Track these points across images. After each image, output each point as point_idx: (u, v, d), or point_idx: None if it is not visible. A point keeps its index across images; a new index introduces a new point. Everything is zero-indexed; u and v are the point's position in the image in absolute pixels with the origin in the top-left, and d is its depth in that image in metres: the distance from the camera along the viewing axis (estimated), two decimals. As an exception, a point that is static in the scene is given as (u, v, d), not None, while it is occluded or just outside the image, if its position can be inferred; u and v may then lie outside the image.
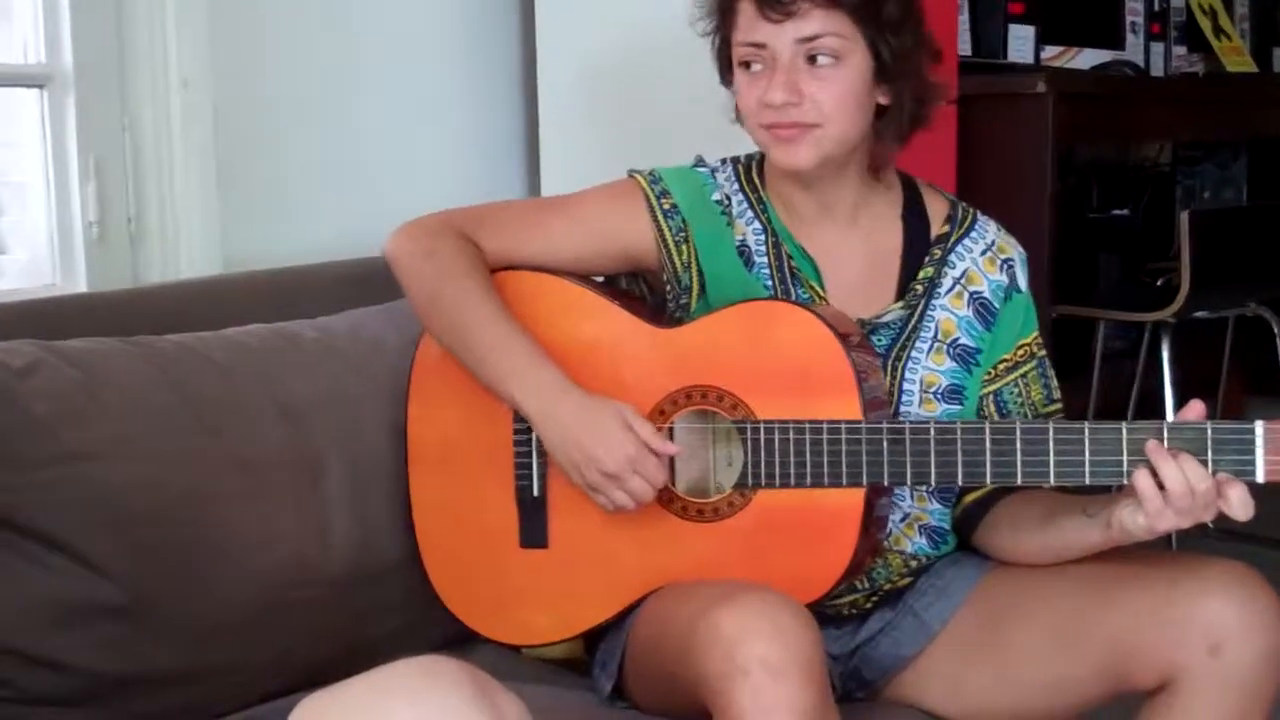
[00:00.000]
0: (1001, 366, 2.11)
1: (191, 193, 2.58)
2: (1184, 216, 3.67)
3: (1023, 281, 2.14)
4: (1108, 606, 1.90)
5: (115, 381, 2.00)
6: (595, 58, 2.99)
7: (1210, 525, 1.86)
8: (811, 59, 1.98)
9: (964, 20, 3.72)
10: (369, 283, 2.40)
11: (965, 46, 3.70)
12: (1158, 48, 4.57)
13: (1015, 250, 2.15)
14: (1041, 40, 3.97)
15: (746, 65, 2.03)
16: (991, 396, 2.11)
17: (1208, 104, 4.54)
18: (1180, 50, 4.68)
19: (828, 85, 1.98)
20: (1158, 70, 4.57)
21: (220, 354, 2.14)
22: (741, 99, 2.05)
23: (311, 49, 2.80)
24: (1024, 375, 2.11)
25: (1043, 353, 2.14)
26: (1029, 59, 3.92)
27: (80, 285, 2.52)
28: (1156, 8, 4.57)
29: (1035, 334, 2.14)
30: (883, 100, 2.03)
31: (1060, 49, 4.16)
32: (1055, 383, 2.14)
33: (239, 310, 2.28)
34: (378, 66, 2.93)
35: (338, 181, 2.86)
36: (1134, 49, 4.46)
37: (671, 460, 2.01)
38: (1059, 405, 2.13)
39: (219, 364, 2.12)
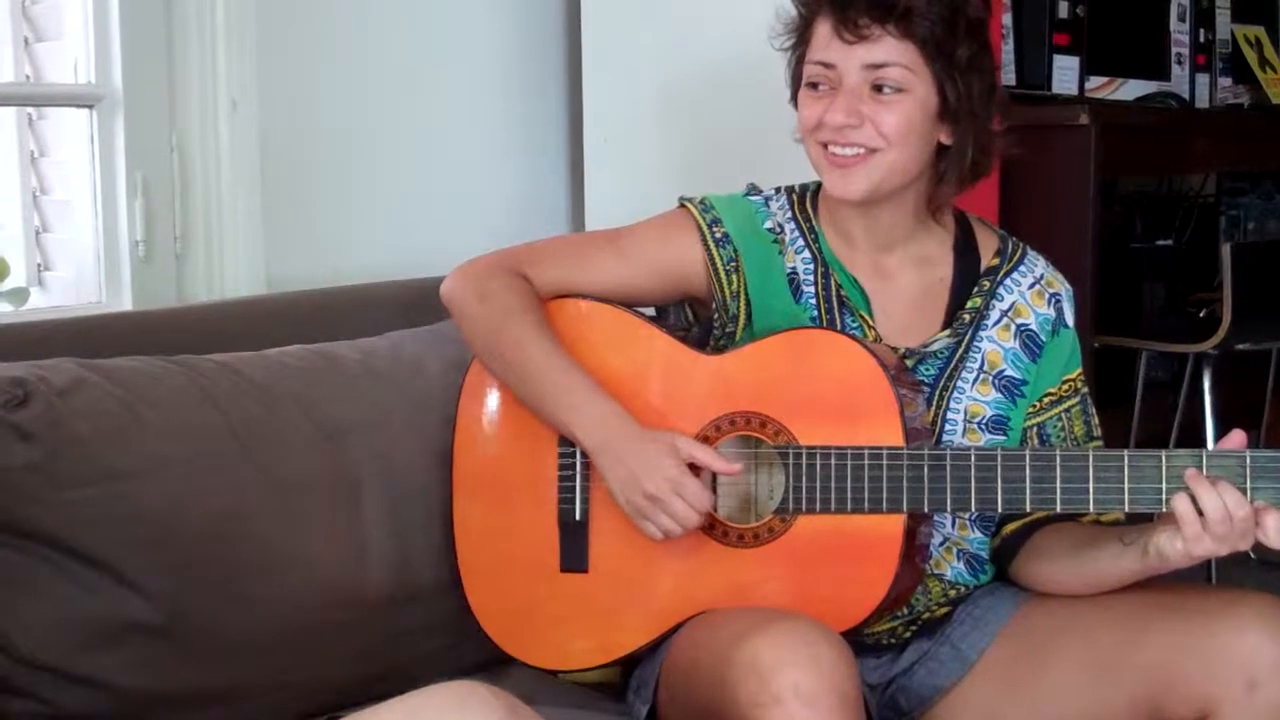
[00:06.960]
0: (1046, 400, 2.11)
1: (237, 213, 2.60)
2: (1225, 249, 3.66)
3: (1070, 317, 2.14)
4: (1144, 640, 1.90)
5: (157, 401, 2.01)
6: (641, 84, 2.99)
7: (1251, 555, 1.85)
8: (877, 88, 1.99)
9: (1008, 51, 3.71)
10: (411, 305, 2.41)
11: (1009, 77, 3.69)
12: (1203, 79, 4.54)
13: (1063, 286, 2.16)
14: (1086, 71, 3.96)
15: (814, 86, 2.04)
16: (1035, 429, 2.11)
17: (1252, 136, 4.51)
18: (1225, 82, 4.65)
19: (889, 111, 1.99)
20: (1203, 102, 4.54)
21: (261, 374, 2.15)
22: (802, 115, 2.06)
23: (358, 73, 2.82)
24: (1068, 410, 2.11)
25: (1085, 389, 2.15)
26: (1073, 90, 3.90)
27: (125, 303, 2.54)
28: (1202, 39, 4.54)
29: (1079, 370, 2.14)
30: (945, 140, 2.04)
31: (1105, 80, 4.14)
32: (1096, 419, 2.14)
33: (281, 331, 2.30)
34: (423, 91, 2.94)
35: (382, 204, 2.87)
36: (1179, 80, 4.44)
37: (714, 486, 2.02)
38: (1100, 441, 2.13)
39: (260, 384, 2.13)
